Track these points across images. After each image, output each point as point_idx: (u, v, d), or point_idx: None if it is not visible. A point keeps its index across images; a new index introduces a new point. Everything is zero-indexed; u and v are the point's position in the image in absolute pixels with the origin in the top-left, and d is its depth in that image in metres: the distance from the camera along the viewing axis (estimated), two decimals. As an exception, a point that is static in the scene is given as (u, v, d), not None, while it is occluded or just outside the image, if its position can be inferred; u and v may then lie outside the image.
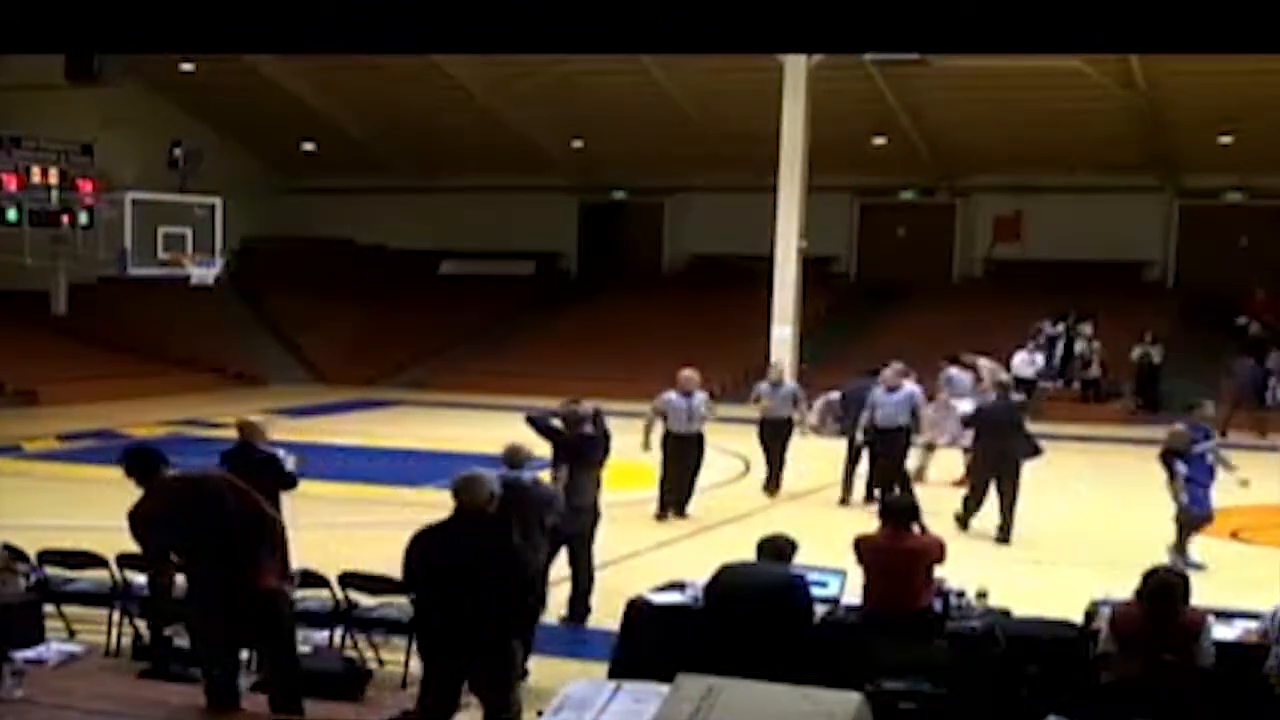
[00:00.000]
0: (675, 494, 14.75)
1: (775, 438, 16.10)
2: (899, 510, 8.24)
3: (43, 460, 19.09)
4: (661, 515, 14.61)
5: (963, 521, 14.03)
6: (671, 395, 14.87)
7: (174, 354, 29.59)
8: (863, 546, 8.17)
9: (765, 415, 16.09)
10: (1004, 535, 13.79)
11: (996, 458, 13.94)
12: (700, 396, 14.98)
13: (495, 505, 6.68)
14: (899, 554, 8.01)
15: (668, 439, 14.73)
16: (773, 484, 16.22)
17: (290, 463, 10.11)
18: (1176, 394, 25.75)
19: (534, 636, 8.08)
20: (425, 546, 6.64)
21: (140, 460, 6.94)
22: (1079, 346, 26.80)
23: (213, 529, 6.74)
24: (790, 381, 17.09)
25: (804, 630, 7.45)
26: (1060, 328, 27.18)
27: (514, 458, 9.01)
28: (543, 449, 10.44)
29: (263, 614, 6.80)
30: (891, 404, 15.20)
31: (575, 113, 30.52)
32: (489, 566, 6.49)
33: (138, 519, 6.78)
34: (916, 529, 8.27)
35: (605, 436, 10.96)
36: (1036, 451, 14.23)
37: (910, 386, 15.39)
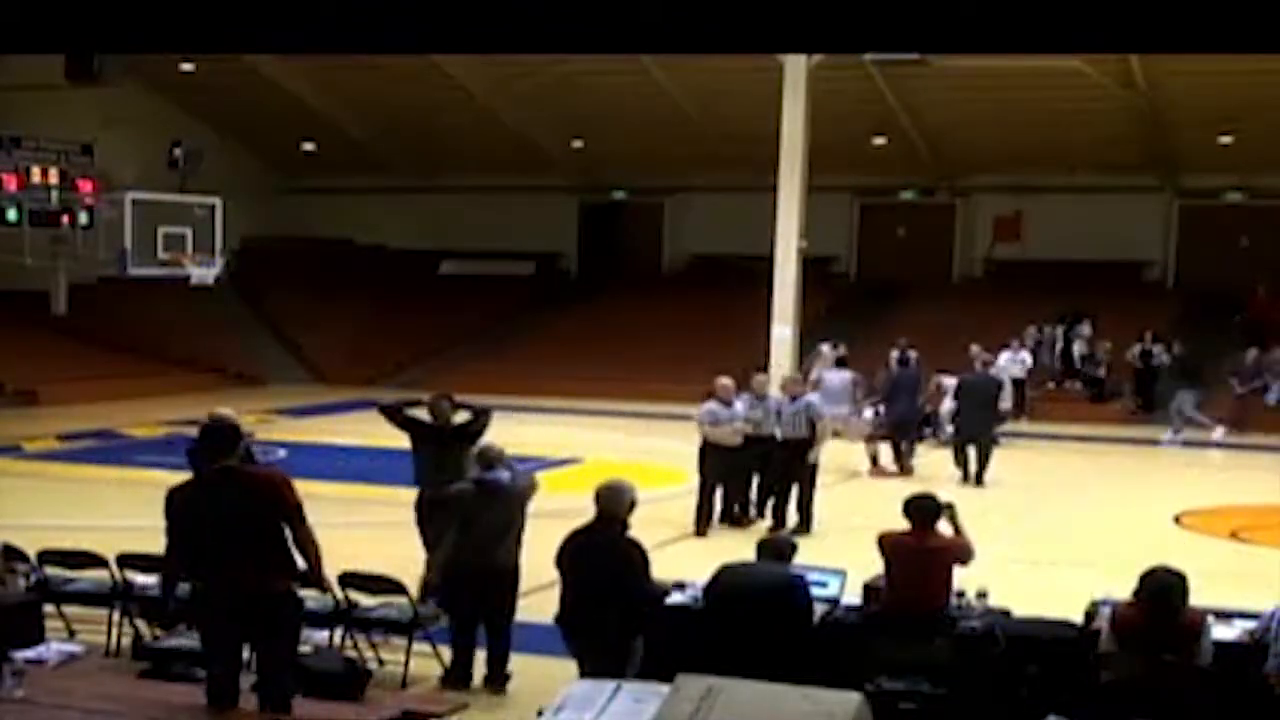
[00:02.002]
0: (727, 505, 14.25)
1: (754, 457, 14.54)
2: (923, 509, 8.18)
3: (43, 460, 19.09)
4: (702, 531, 14.13)
5: (965, 475, 17.37)
6: (712, 405, 14.08)
7: (174, 354, 29.58)
8: (887, 543, 8.16)
9: (712, 439, 14.35)
10: (978, 480, 17.35)
11: (972, 422, 17.56)
12: (741, 405, 14.25)
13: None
14: (922, 553, 8.00)
15: (708, 450, 14.03)
16: (755, 513, 14.67)
17: (268, 454, 10.16)
18: (1174, 394, 25.80)
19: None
20: (570, 547, 7.33)
21: (206, 439, 6.99)
22: (1078, 348, 26.73)
23: (228, 525, 6.73)
24: (774, 394, 15.46)
25: (804, 630, 7.45)
26: (1052, 330, 27.07)
27: (487, 455, 8.99)
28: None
29: (270, 616, 6.80)
30: (790, 413, 14.28)
31: (575, 113, 30.51)
32: (614, 568, 7.04)
33: (170, 498, 6.85)
34: (951, 531, 8.23)
35: (477, 430, 10.88)
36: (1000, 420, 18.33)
37: (810, 395, 14.72)
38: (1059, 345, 26.92)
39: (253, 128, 34.27)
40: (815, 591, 7.97)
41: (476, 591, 8.65)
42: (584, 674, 6.80)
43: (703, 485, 14.36)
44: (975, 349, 19.97)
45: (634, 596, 7.07)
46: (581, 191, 35.02)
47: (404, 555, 10.70)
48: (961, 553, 8.08)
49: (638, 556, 7.12)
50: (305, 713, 6.98)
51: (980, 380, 18.17)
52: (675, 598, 8.39)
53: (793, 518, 14.23)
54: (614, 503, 7.26)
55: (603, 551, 7.10)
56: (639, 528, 13.99)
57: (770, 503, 14.55)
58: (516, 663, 8.59)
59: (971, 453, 17.68)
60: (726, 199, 31.27)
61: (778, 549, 7.73)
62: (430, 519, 10.47)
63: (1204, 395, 23.64)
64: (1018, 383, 23.74)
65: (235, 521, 6.74)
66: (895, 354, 20.71)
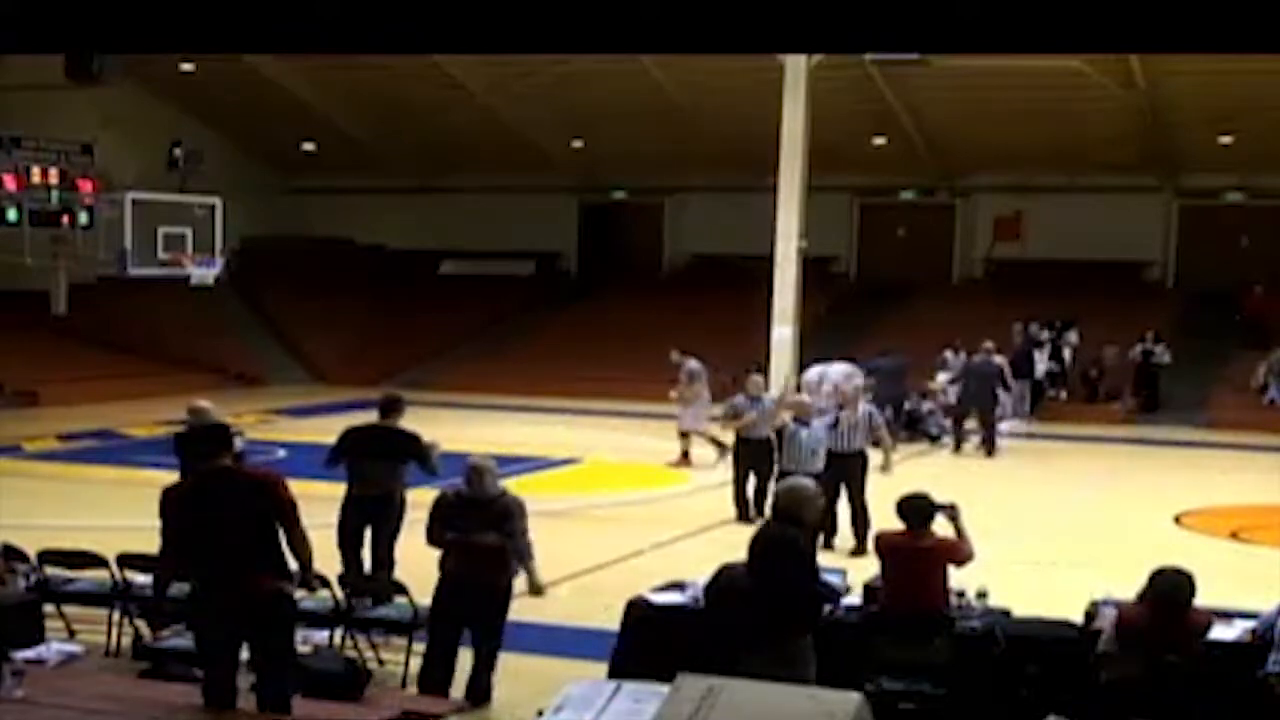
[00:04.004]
0: (757, 499, 14.16)
1: (755, 459, 14.37)
2: (916, 509, 8.18)
3: (43, 460, 19.09)
4: (744, 518, 14.03)
5: (958, 444, 20.79)
6: (739, 398, 14.75)
7: (174, 354, 29.57)
8: (883, 543, 8.16)
9: (745, 434, 14.58)
10: (988, 450, 20.47)
11: (974, 398, 20.71)
12: (769, 398, 14.94)
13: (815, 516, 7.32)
14: (917, 552, 7.99)
15: (740, 444, 14.58)
16: (756, 510, 14.17)
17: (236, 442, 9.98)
18: (1175, 395, 25.84)
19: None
20: (753, 544, 7.24)
21: (199, 439, 6.98)
22: (1068, 354, 26.62)
23: (223, 525, 6.74)
24: (770, 396, 15.45)
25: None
26: (1040, 333, 26.97)
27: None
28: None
29: (264, 616, 6.80)
30: (847, 425, 13.39)
31: (575, 113, 30.51)
32: (785, 567, 6.92)
33: (165, 498, 6.85)
34: (953, 532, 8.22)
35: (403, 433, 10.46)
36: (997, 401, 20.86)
37: (867, 405, 13.98)
38: (1048, 351, 26.64)
39: (253, 128, 34.26)
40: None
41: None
42: (751, 673, 6.68)
43: (736, 474, 14.51)
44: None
45: (801, 597, 6.99)
46: (581, 191, 35.01)
47: (404, 555, 10.70)
48: (957, 553, 8.06)
49: (808, 558, 7.11)
50: (305, 713, 6.97)
51: (982, 364, 20.88)
52: (674, 597, 8.40)
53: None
54: (792, 502, 7.20)
55: (775, 550, 7.09)
56: (639, 526, 14.05)
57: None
58: (517, 662, 8.59)
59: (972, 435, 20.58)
60: (726, 199, 31.27)
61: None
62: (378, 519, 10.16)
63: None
64: (1037, 384, 23.84)
65: (230, 521, 6.74)
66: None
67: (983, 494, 16.34)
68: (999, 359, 21.40)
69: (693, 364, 19.45)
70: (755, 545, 7.17)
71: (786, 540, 7.05)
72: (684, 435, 18.98)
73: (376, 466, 10.16)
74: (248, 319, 33.19)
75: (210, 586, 6.83)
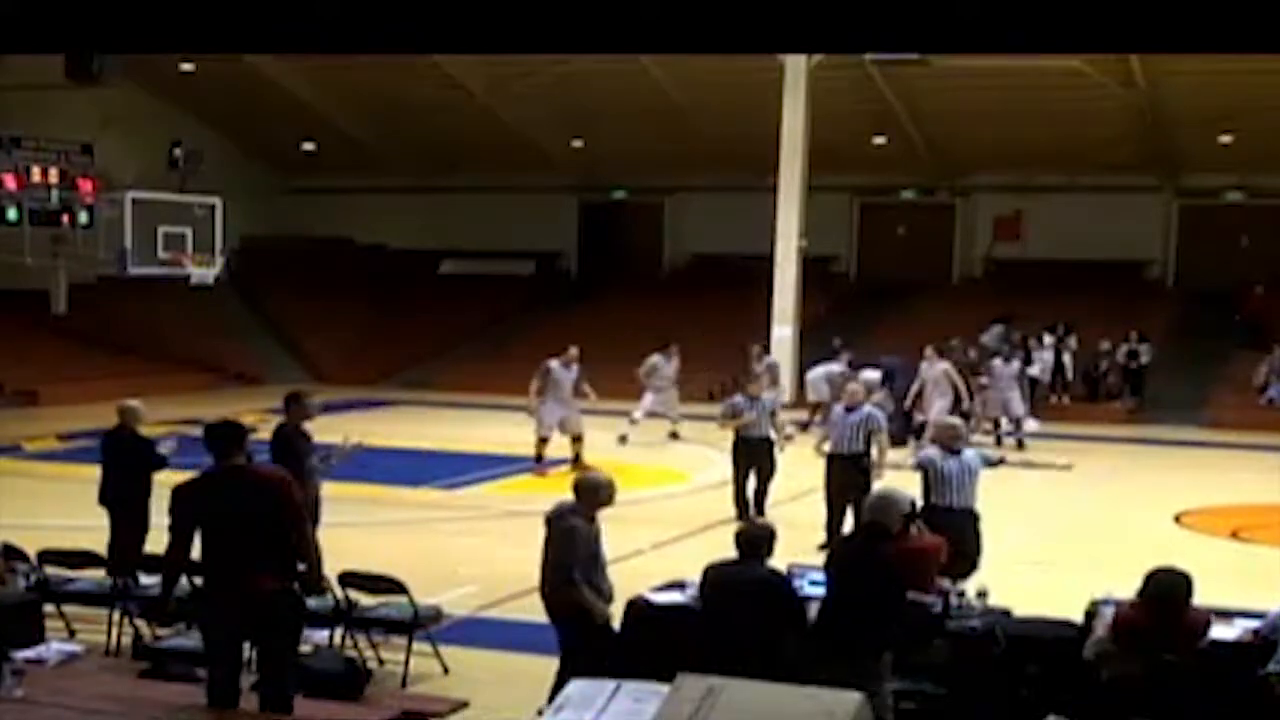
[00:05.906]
0: (757, 499, 14.30)
1: (755, 459, 14.38)
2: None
3: (43, 460, 19.08)
4: (744, 518, 13.80)
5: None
6: (737, 398, 14.59)
7: (174, 354, 29.56)
8: None
9: (744, 433, 14.38)
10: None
11: None
12: (768, 398, 14.81)
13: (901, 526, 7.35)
14: (909, 554, 7.97)
15: (739, 444, 14.37)
16: (756, 510, 14.20)
17: (164, 446, 10.48)
18: (1176, 395, 25.83)
19: None
20: (837, 555, 7.40)
21: (213, 437, 7.01)
22: (1068, 360, 26.59)
23: (234, 523, 6.75)
24: (769, 396, 15.29)
25: (798, 628, 7.42)
26: (1048, 338, 26.89)
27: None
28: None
29: (271, 616, 6.80)
30: (847, 425, 12.97)
31: (575, 113, 30.52)
32: (877, 581, 6.98)
33: (176, 494, 6.86)
34: (914, 530, 8.22)
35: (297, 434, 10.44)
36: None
37: (869, 407, 13.25)
38: (1049, 356, 26.47)
39: (253, 128, 34.28)
40: (814, 591, 7.96)
41: None
42: (823, 681, 6.60)
43: (735, 474, 14.48)
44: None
45: (891, 612, 7.02)
46: (581, 191, 35.03)
47: (404, 554, 10.70)
48: (943, 553, 8.06)
49: (900, 572, 7.08)
50: (305, 713, 6.97)
51: (862, 365, 20.94)
52: (674, 597, 8.39)
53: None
54: (878, 513, 7.22)
55: (867, 563, 7.05)
56: (639, 526, 14.03)
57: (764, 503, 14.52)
58: (517, 662, 8.59)
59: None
60: (726, 199, 31.28)
61: (752, 540, 7.59)
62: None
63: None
64: (1035, 383, 23.77)
65: (237, 519, 6.74)
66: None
67: (982, 494, 16.33)
68: (942, 364, 20.92)
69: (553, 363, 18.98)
70: (842, 559, 7.12)
71: (878, 558, 7.01)
72: (576, 438, 18.46)
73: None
74: (248, 319, 33.19)
75: (213, 585, 6.83)
